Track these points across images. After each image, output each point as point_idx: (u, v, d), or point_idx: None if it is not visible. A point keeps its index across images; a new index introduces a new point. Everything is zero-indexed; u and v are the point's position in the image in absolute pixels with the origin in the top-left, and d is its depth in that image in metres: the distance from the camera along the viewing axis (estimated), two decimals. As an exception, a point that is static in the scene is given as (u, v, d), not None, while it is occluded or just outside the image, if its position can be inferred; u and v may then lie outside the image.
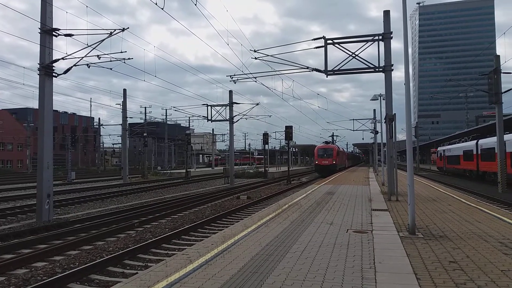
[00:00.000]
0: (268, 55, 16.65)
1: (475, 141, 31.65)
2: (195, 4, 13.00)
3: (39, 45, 13.53)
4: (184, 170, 43.41)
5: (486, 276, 4.84)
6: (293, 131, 32.84)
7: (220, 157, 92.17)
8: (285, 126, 33.24)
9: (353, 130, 42.08)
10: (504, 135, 22.75)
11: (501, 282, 4.61)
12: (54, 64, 13.80)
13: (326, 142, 49.50)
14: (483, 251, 6.05)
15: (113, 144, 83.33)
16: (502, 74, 22.57)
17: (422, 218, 9.34)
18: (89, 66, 15.13)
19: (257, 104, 33.43)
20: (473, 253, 5.93)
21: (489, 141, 27.65)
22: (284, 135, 35.00)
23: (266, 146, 42.22)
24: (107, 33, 14.18)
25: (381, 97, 22.98)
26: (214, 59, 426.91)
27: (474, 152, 31.49)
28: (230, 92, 32.30)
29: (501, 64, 22.89)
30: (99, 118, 70.24)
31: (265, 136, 40.29)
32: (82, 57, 14.36)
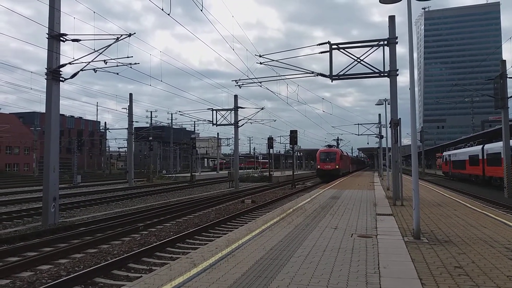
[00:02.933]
0: (272, 60, 16.71)
1: (481, 146, 31.46)
2: (201, 10, 13.11)
3: (45, 50, 13.69)
4: (189, 174, 43.49)
5: (491, 281, 4.81)
6: (297, 136, 32.83)
7: (225, 161, 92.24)
8: (290, 131, 33.24)
9: (358, 135, 41.81)
10: (510, 140, 22.61)
11: (506, 288, 4.58)
12: (60, 69, 13.94)
13: (329, 146, 48.32)
14: (488, 257, 6.01)
15: (118, 148, 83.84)
16: (508, 79, 22.49)
17: (427, 223, 9.29)
18: (96, 71, 15.27)
19: (262, 108, 33.46)
20: (479, 259, 5.90)
21: (495, 146, 27.48)
22: (288, 139, 35.02)
23: (271, 150, 42.21)
24: (114, 38, 14.31)
25: (386, 102, 22.95)
26: (218, 64, 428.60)
27: (480, 157, 31.29)
28: (235, 96, 32.38)
29: (507, 69, 22.79)
30: (105, 122, 70.79)
31: (270, 140, 40.28)
32: (89, 62, 14.51)
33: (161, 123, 62.49)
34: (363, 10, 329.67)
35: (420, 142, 55.87)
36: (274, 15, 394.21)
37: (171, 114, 60.98)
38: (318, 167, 41.57)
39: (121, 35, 14.36)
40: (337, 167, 40.11)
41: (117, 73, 16.40)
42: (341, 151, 47.81)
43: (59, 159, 14.25)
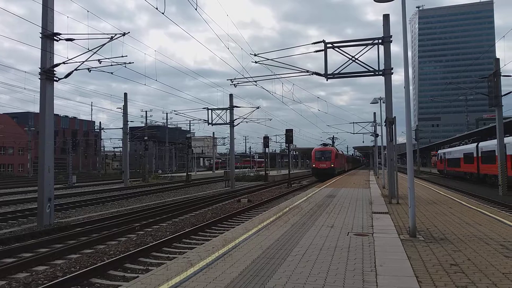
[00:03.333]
0: (268, 59, 16.71)
1: (476, 143, 31.67)
2: (196, 9, 13.07)
3: (39, 50, 13.58)
4: (184, 174, 43.42)
5: (487, 279, 4.84)
6: (293, 134, 32.87)
7: (220, 160, 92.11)
8: (286, 130, 33.30)
9: (353, 133, 41.96)
10: (504, 138, 22.77)
11: (502, 285, 4.61)
12: (54, 69, 13.85)
13: (324, 144, 48.21)
14: (484, 254, 6.05)
15: (114, 148, 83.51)
16: (501, 77, 22.62)
17: (423, 221, 9.33)
18: (90, 70, 15.18)
19: (258, 107, 33.44)
20: (474, 256, 5.93)
21: (490, 144, 27.67)
22: (284, 138, 35.05)
23: (267, 149, 42.22)
24: (108, 38, 14.22)
25: (381, 101, 23.03)
26: (213, 63, 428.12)
27: (475, 155, 31.49)
28: (231, 95, 32.34)
29: (500, 67, 22.94)
30: (99, 122, 70.37)
31: (266, 139, 40.31)
32: (83, 62, 14.42)
33: (156, 123, 62.29)
34: (357, 9, 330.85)
35: (415, 140, 56.12)
36: (269, 14, 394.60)
37: (166, 113, 60.99)
38: (314, 165, 41.45)
39: (115, 34, 14.29)
40: (332, 165, 39.99)
41: (112, 73, 16.36)
42: (336, 149, 47.67)
43: (54, 159, 14.17)
